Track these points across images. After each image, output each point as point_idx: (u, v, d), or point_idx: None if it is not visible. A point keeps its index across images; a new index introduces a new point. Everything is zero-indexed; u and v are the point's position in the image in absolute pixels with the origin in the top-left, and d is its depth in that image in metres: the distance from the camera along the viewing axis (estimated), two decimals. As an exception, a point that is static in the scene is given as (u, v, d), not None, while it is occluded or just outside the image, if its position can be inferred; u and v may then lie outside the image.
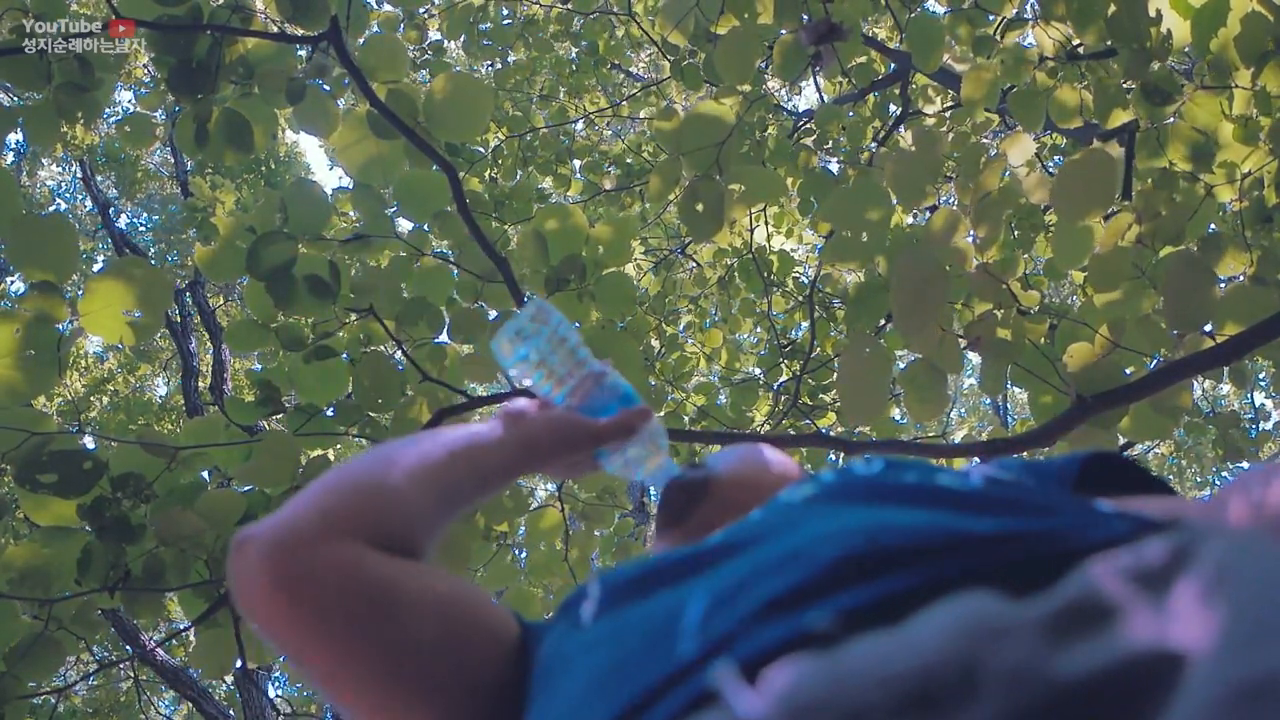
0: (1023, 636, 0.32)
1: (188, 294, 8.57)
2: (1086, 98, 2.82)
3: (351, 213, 2.84)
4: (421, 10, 5.36)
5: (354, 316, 2.68)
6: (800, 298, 4.97)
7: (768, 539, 0.48)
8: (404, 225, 2.87)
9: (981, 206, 2.31)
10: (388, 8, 5.53)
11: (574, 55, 6.10)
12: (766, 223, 5.08)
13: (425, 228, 2.82)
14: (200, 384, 8.44)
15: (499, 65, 6.05)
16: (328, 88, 2.69)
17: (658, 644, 0.43)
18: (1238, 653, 0.27)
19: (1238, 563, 0.33)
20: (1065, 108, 2.81)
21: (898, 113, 4.73)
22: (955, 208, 2.34)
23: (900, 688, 0.31)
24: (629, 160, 5.90)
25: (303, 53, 2.74)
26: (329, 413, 2.67)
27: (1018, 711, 0.29)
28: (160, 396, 10.61)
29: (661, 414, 4.41)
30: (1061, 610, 0.33)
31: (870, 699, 0.31)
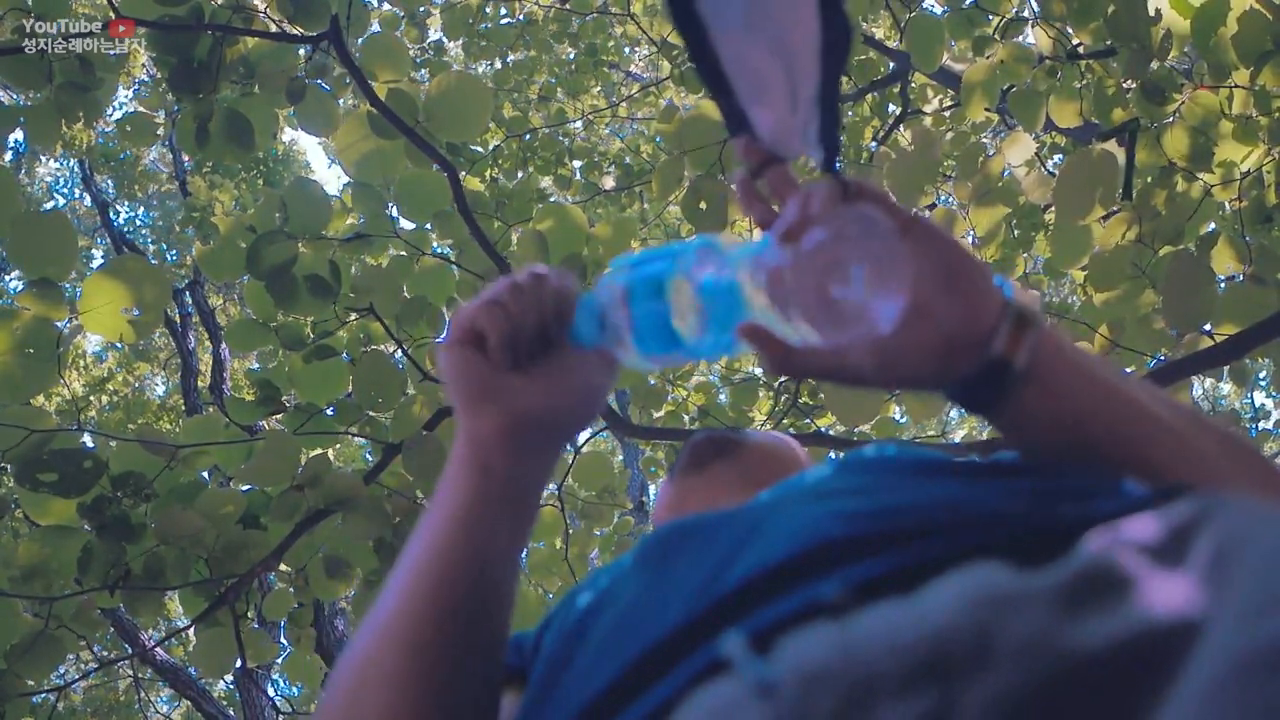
0: (1035, 607, 0.32)
1: (187, 293, 8.57)
2: (1086, 96, 2.82)
3: (355, 214, 2.85)
4: (421, 10, 5.37)
5: (354, 316, 2.68)
6: (800, 297, 4.95)
7: (780, 513, 0.48)
8: (404, 225, 2.87)
9: (980, 201, 2.31)
10: (387, 7, 5.53)
11: (573, 56, 6.10)
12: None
13: (428, 227, 2.82)
14: (199, 383, 8.44)
15: (498, 65, 6.06)
16: (328, 87, 2.69)
17: (660, 612, 0.44)
18: (1249, 622, 0.27)
19: (1249, 531, 0.33)
20: (1065, 107, 2.81)
21: (897, 112, 4.73)
22: (954, 207, 2.35)
23: (912, 657, 0.31)
24: (628, 160, 5.90)
25: (303, 52, 2.74)
26: (329, 412, 2.67)
27: (1030, 681, 0.29)
28: (159, 396, 10.62)
29: (661, 413, 4.41)
30: (1073, 580, 0.33)
31: (882, 667, 0.31)
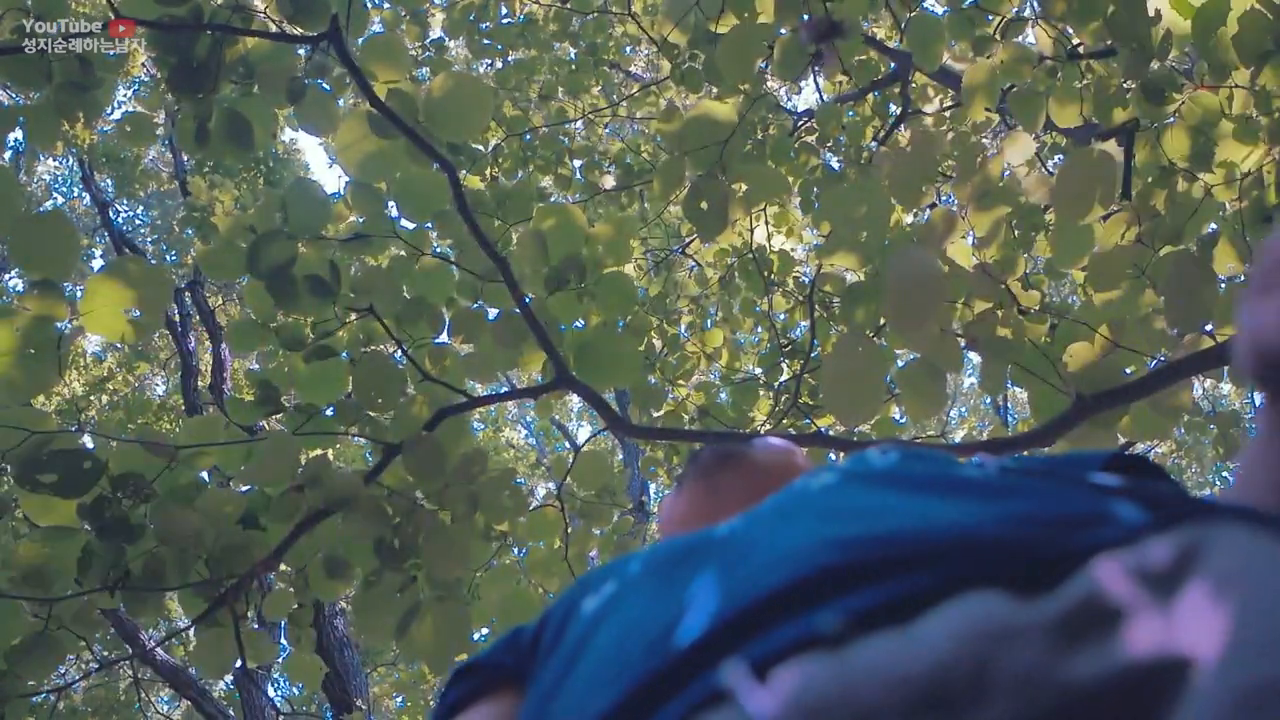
0: (1032, 639, 0.32)
1: (187, 293, 8.57)
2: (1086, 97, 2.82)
3: (355, 213, 2.85)
4: (422, 9, 5.36)
5: (354, 316, 2.68)
6: (800, 297, 4.97)
7: (783, 533, 0.48)
8: (403, 224, 2.87)
9: (980, 202, 2.31)
10: (388, 6, 5.53)
11: (573, 55, 6.10)
12: (767, 222, 5.08)
13: (429, 225, 2.82)
14: (199, 383, 8.45)
15: (499, 65, 6.06)
16: (329, 87, 2.69)
17: (661, 634, 0.44)
18: (1245, 658, 0.27)
19: (1246, 563, 0.33)
20: (1065, 107, 2.81)
21: (898, 112, 4.73)
22: (954, 208, 2.34)
23: (911, 689, 0.31)
24: (628, 160, 5.90)
25: (303, 52, 2.74)
26: (329, 412, 2.67)
27: (1028, 715, 0.29)
28: (159, 396, 10.62)
29: (661, 413, 4.41)
30: (1070, 612, 0.33)
31: (881, 700, 0.31)
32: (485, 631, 3.44)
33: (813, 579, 0.42)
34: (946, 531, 0.44)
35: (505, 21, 5.70)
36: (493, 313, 2.83)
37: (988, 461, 0.59)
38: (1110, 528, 0.43)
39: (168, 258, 10.17)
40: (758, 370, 5.10)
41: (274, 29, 2.60)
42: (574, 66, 6.02)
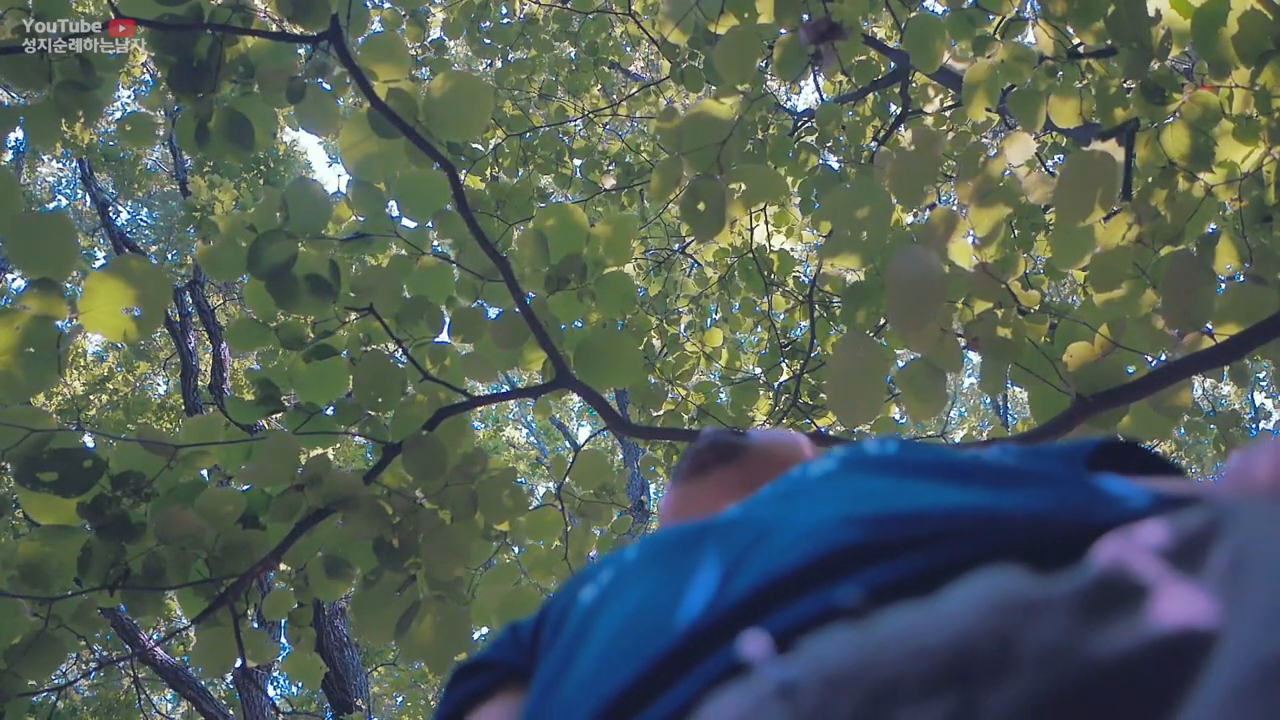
0: (1055, 613, 0.32)
1: (187, 293, 8.57)
2: (1088, 96, 2.81)
3: (356, 212, 2.85)
4: (422, 9, 5.36)
5: (354, 315, 2.68)
6: (800, 297, 4.97)
7: (793, 517, 0.48)
8: (404, 223, 2.87)
9: (980, 200, 2.31)
10: (388, 5, 5.53)
11: (573, 55, 6.11)
12: (766, 222, 5.08)
13: (430, 225, 2.82)
14: (199, 383, 8.45)
15: (499, 65, 6.06)
16: (329, 87, 2.69)
17: (673, 615, 0.43)
18: (1269, 630, 0.28)
19: (1265, 538, 0.33)
20: (1064, 108, 2.81)
21: (898, 112, 4.73)
22: (954, 207, 2.34)
23: (933, 660, 0.31)
24: (628, 159, 5.90)
25: (303, 52, 2.74)
26: (329, 412, 2.67)
27: (1053, 688, 0.29)
28: (159, 395, 10.62)
29: (661, 413, 4.42)
30: (1092, 586, 0.33)
31: (904, 670, 0.31)
32: (485, 631, 3.43)
33: (832, 556, 0.42)
34: (964, 508, 0.44)
35: (505, 21, 5.71)
36: (493, 312, 2.83)
37: (986, 451, 0.59)
38: (1127, 504, 0.43)
39: (168, 258, 10.18)
40: (758, 370, 5.10)
41: (274, 29, 2.60)
42: (574, 66, 6.03)
